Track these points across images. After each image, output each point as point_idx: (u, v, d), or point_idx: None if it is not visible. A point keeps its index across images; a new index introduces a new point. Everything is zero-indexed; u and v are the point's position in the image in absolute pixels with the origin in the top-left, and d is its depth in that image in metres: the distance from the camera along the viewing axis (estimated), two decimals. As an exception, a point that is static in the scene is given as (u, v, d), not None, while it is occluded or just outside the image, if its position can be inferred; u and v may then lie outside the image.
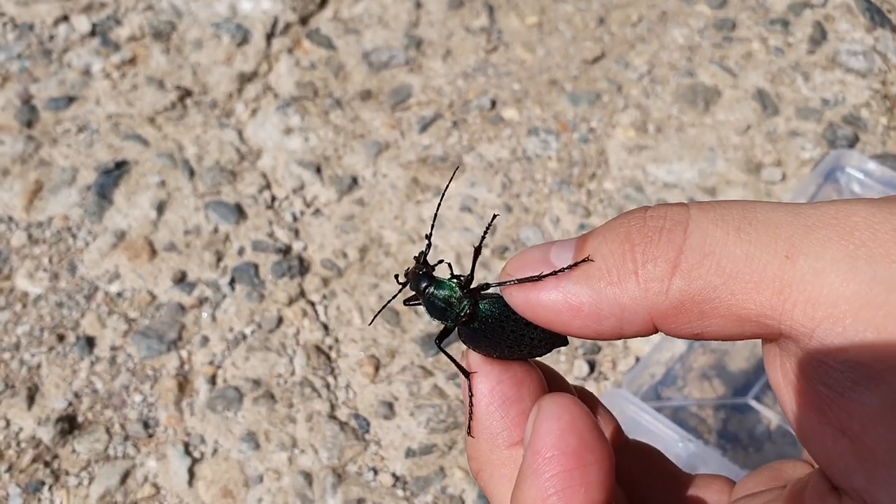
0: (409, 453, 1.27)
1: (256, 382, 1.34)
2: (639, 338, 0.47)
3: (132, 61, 1.75)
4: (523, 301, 0.48)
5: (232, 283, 1.44)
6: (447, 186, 0.69)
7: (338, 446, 1.27)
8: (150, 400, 1.33)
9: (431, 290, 0.56)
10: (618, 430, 0.58)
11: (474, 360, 0.53)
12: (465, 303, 0.55)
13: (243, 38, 1.76)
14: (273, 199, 1.55)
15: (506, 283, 0.50)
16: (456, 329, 0.56)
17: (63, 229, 1.51)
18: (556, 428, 0.45)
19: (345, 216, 1.53)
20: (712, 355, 1.37)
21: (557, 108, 1.69)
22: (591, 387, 1.35)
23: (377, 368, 1.36)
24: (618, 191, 1.56)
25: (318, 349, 1.37)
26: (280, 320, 1.40)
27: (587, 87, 1.73)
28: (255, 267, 1.45)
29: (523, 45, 1.80)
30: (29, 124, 1.65)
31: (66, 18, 1.82)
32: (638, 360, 1.37)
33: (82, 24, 1.81)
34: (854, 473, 0.40)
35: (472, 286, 0.56)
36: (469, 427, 0.54)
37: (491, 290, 0.55)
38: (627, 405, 1.17)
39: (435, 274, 0.58)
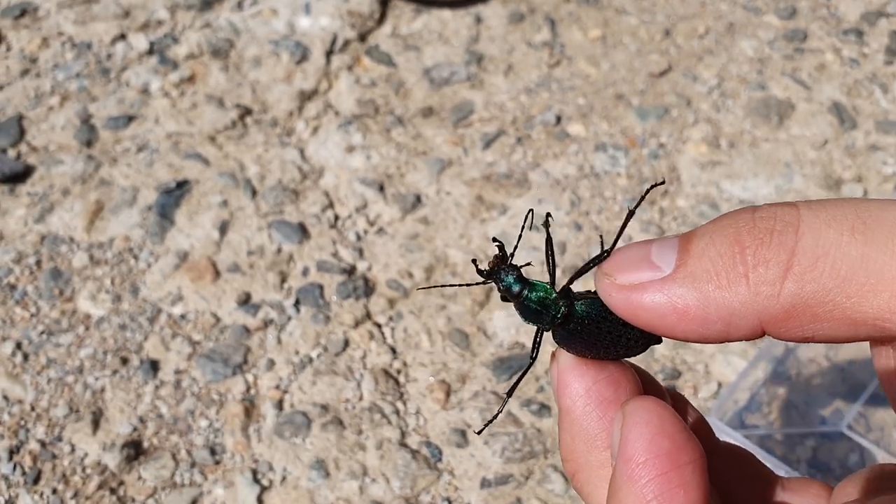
0: (485, 483, 1.23)
1: (324, 408, 1.30)
2: (744, 341, 0.45)
3: (191, 79, 1.73)
4: (624, 303, 0.46)
5: (297, 304, 1.40)
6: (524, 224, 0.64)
7: (410, 475, 1.23)
8: (217, 425, 1.29)
9: (525, 292, 0.53)
10: (709, 432, 0.56)
11: (566, 360, 0.51)
12: (561, 304, 0.52)
13: (302, 56, 1.73)
14: (336, 218, 1.51)
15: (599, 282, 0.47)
16: (551, 331, 0.53)
17: (125, 250, 1.49)
18: (646, 432, 0.44)
19: (409, 235, 1.49)
20: (798, 381, 1.31)
21: (625, 122, 1.64)
22: (671, 413, 1.30)
23: (448, 394, 1.32)
24: (692, 208, 1.50)
25: (386, 373, 1.33)
26: (346, 343, 1.36)
27: (655, 101, 1.68)
28: (320, 288, 1.42)
29: (587, 59, 1.76)
30: (88, 144, 1.63)
31: (123, 37, 1.81)
32: (720, 385, 1.31)
33: (140, 42, 1.80)
34: None
35: (563, 287, 0.54)
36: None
37: (585, 291, 0.52)
38: (717, 433, 1.11)
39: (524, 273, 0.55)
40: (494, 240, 0.59)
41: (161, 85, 1.73)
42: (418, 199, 1.54)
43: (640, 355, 0.53)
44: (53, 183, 1.57)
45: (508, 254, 0.56)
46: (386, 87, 1.70)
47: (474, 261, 0.56)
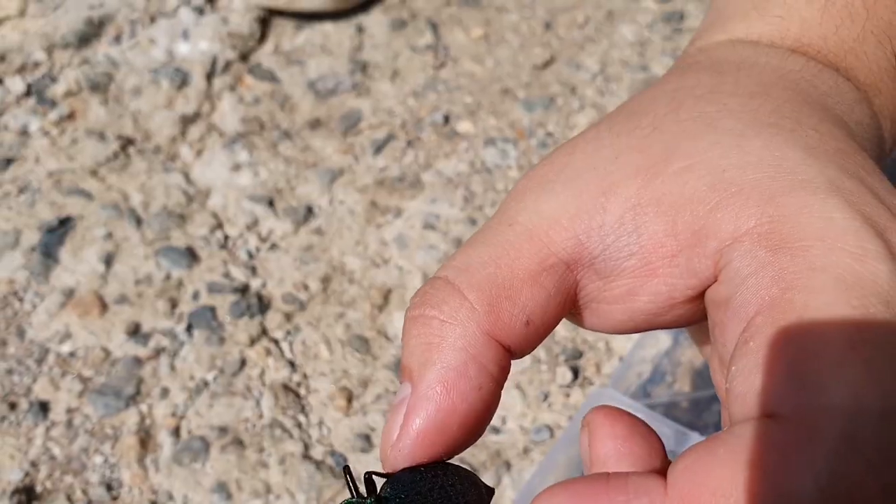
0: (392, 486, 1.19)
1: (223, 430, 1.25)
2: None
3: (70, 116, 1.69)
4: (408, 448, 0.46)
5: (189, 329, 1.36)
6: None
7: (315, 487, 1.19)
8: (112, 460, 1.24)
9: None
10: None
11: None
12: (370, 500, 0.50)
13: (183, 81, 1.70)
14: (226, 238, 1.48)
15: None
16: None
17: (9, 294, 1.43)
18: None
19: (303, 247, 1.46)
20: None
21: (512, 116, 1.64)
22: (576, 394, 1.28)
23: (350, 400, 1.28)
24: (583, 191, 1.50)
25: (286, 388, 1.30)
26: (243, 362, 1.32)
27: (540, 92, 1.68)
28: (212, 310, 1.38)
29: (471, 58, 1.76)
30: (-34, 191, 1.58)
31: (0, 82, 1.76)
32: (622, 360, 1.30)
33: (16, 85, 1.75)
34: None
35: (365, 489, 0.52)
36: None
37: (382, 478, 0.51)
38: (615, 405, 1.09)
39: None
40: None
41: (41, 125, 1.68)
42: (310, 210, 1.52)
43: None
44: (-71, 233, 1.51)
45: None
46: (271, 103, 1.68)
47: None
